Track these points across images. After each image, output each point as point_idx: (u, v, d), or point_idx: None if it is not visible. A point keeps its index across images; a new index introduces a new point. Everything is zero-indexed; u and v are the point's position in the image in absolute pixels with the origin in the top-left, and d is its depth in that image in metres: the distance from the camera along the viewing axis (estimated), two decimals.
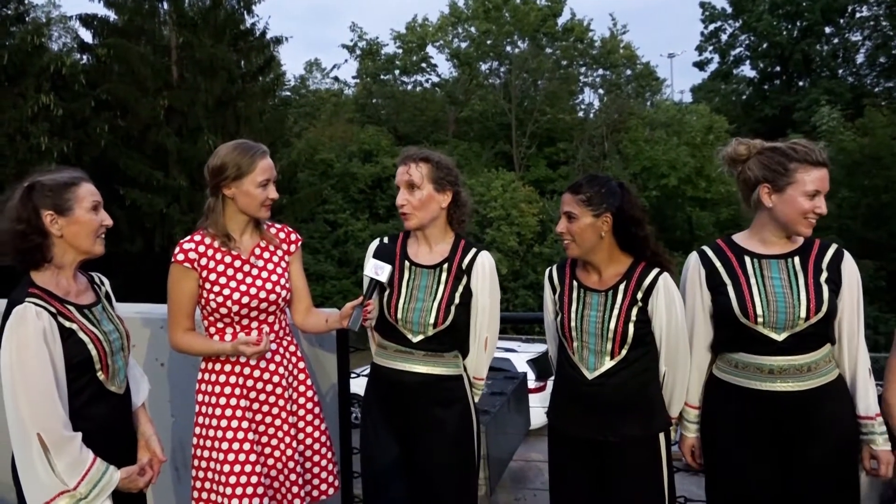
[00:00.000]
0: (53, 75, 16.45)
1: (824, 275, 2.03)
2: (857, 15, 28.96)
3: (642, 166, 24.31)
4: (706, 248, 2.18)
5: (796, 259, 2.06)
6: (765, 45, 30.05)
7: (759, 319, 2.00)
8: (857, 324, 2.06)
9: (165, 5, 18.65)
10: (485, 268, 2.26)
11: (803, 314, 1.97)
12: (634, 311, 2.08)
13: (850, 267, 2.06)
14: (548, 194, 25.41)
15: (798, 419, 2.01)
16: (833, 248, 2.07)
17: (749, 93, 32.09)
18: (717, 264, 2.12)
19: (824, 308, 1.99)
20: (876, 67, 28.74)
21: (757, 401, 2.03)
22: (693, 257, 2.20)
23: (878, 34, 28.28)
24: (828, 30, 29.51)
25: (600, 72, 31.19)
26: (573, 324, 2.15)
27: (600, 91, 31.14)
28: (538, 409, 7.94)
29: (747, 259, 2.09)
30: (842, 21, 29.29)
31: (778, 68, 30.79)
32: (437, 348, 2.24)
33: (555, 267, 2.32)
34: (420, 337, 2.23)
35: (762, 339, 2.02)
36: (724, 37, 32.16)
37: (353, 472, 2.89)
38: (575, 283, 2.21)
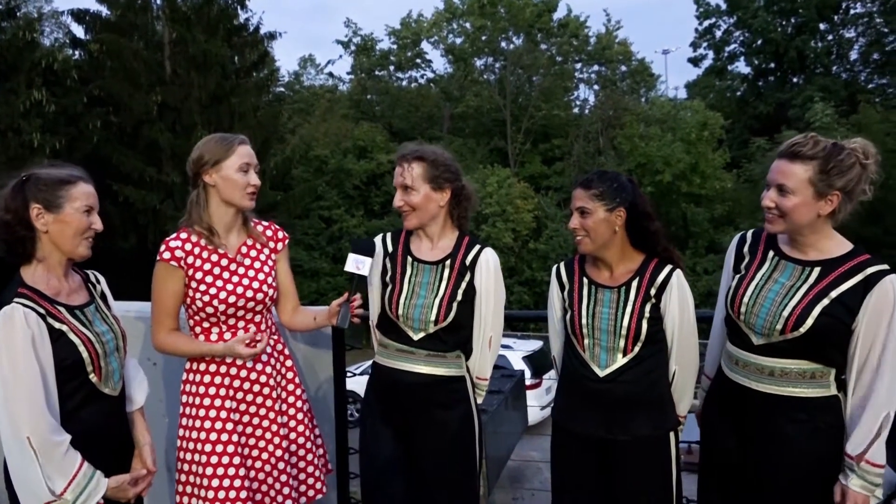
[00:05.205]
0: (45, 71, 16.36)
1: (836, 293, 1.83)
2: (852, 12, 29.00)
3: (637, 162, 24.27)
4: (748, 234, 2.11)
5: (815, 271, 1.89)
6: (759, 42, 30.05)
7: (742, 317, 1.97)
8: (881, 358, 1.79)
9: (158, 0, 18.55)
10: (489, 265, 2.22)
11: (779, 327, 1.87)
12: (648, 307, 2.06)
13: (880, 295, 1.80)
14: (543, 190, 25.38)
15: (756, 422, 1.94)
16: (870, 271, 1.84)
17: (744, 89, 32.09)
18: (745, 251, 2.08)
19: (804, 328, 1.84)
20: (870, 64, 28.79)
21: (730, 389, 2.01)
22: (736, 238, 2.16)
23: (871, 31, 28.32)
24: (822, 26, 29.52)
25: (595, 68, 31.14)
26: (584, 321, 2.11)
27: (595, 87, 31.11)
28: (534, 406, 7.94)
29: (770, 254, 2.00)
30: (836, 18, 29.32)
31: (772, 65, 30.81)
32: (439, 348, 2.19)
33: (562, 264, 2.27)
34: (421, 334, 2.19)
35: (740, 334, 1.99)
36: (718, 33, 32.15)
37: (349, 471, 2.86)
38: (585, 279, 2.17)
